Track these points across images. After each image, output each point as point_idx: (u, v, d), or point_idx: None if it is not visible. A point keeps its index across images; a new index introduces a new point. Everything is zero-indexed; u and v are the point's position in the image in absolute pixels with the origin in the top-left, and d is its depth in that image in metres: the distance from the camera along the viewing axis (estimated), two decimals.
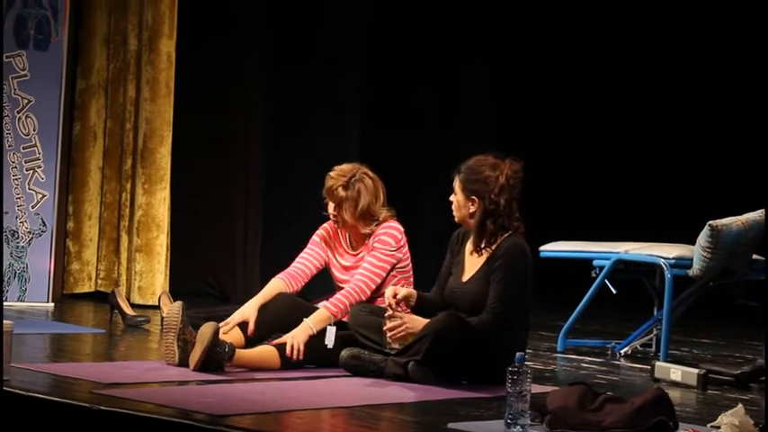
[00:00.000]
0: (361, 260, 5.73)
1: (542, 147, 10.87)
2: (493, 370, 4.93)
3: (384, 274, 5.66)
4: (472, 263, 5.36)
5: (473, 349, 5.11)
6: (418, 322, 5.19)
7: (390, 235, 5.68)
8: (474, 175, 5.31)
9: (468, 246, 5.41)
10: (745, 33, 9.58)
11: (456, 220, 5.41)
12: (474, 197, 5.29)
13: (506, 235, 5.28)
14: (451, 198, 5.39)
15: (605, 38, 10.64)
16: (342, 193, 5.67)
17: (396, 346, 5.25)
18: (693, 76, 10.29)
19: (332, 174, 5.74)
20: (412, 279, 5.78)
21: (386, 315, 5.25)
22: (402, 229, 5.72)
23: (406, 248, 5.74)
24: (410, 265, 5.77)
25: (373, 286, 5.64)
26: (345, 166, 5.76)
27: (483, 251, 5.31)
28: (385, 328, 5.23)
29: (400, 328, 5.20)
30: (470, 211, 5.31)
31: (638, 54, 10.59)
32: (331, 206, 5.74)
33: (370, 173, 5.75)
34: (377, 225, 5.72)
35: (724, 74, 10.01)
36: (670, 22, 10.33)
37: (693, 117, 10.42)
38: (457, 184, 5.36)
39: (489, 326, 5.14)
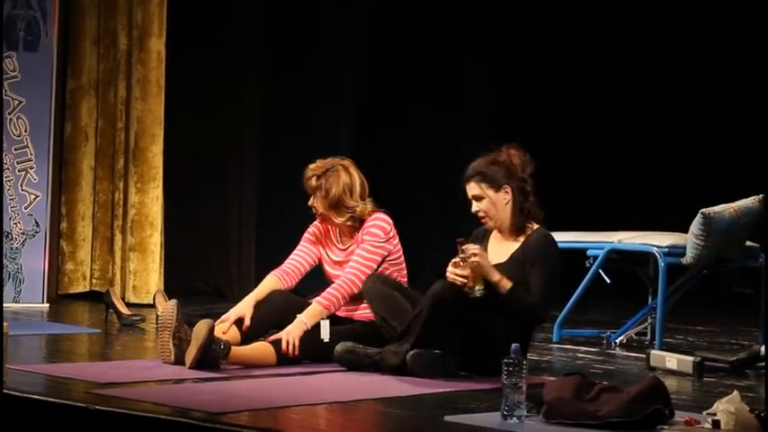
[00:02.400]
0: (350, 254, 5.73)
1: (535, 139, 10.85)
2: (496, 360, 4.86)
3: (374, 266, 5.65)
4: (498, 253, 5.34)
5: (471, 320, 5.09)
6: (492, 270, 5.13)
7: (379, 227, 5.69)
8: (493, 167, 5.30)
9: (493, 240, 5.39)
10: (728, 31, 9.64)
11: (493, 225, 5.33)
12: (506, 186, 5.27)
13: (536, 227, 5.32)
14: (477, 207, 5.32)
15: (599, 34, 10.66)
16: (314, 183, 5.71)
17: (476, 290, 5.13)
18: (686, 74, 10.32)
19: (310, 166, 5.78)
20: (405, 272, 5.78)
21: (453, 261, 5.16)
22: (391, 221, 5.72)
23: (397, 240, 5.74)
24: (402, 257, 5.77)
25: (364, 278, 5.64)
26: (327, 160, 5.79)
27: (517, 237, 5.31)
28: (454, 274, 5.12)
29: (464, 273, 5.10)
30: (506, 202, 5.28)
31: (634, 50, 10.61)
32: (311, 198, 5.77)
33: (349, 166, 5.76)
34: (352, 217, 5.71)
35: (717, 72, 10.04)
36: (665, 19, 10.35)
37: (685, 110, 10.44)
38: (481, 187, 5.29)
39: (533, 308, 5.16)
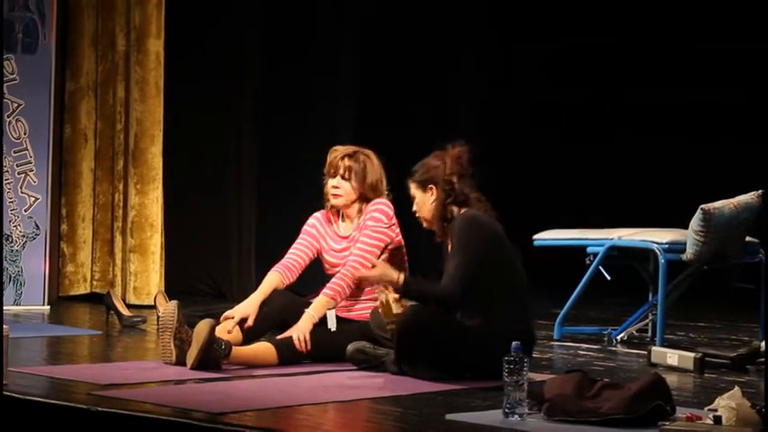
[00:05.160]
0: (352, 241, 5.72)
1: (534, 136, 10.89)
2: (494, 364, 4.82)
3: (378, 252, 5.64)
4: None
5: (447, 339, 5.09)
6: (389, 270, 5.21)
7: (381, 211, 5.69)
8: (422, 168, 5.34)
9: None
10: (729, 31, 9.68)
11: (425, 224, 5.35)
12: (431, 185, 5.28)
13: (462, 210, 5.27)
14: (414, 208, 5.37)
15: (598, 34, 10.67)
16: (348, 162, 5.70)
17: (390, 326, 5.24)
18: (686, 72, 10.35)
19: (337, 147, 5.79)
20: (406, 263, 5.77)
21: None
22: (392, 207, 5.72)
23: (398, 229, 5.74)
24: (403, 246, 5.77)
25: (368, 265, 5.61)
26: (349, 146, 5.82)
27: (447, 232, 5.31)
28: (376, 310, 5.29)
29: (374, 280, 5.25)
30: (431, 201, 5.30)
31: (630, 51, 10.63)
32: (333, 181, 5.74)
33: (373, 154, 5.81)
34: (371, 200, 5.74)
35: (716, 71, 10.09)
36: (666, 15, 10.38)
37: (684, 107, 10.45)
38: (412, 187, 5.35)
39: (440, 294, 5.11)
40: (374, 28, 9.93)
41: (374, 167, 5.74)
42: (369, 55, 9.91)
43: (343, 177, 5.71)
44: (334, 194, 5.75)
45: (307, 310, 5.54)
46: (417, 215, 5.38)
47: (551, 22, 10.88)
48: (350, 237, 5.77)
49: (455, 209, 5.26)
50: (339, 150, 5.77)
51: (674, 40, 10.41)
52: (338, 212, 5.87)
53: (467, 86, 10.74)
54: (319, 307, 5.56)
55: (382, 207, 5.71)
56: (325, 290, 5.61)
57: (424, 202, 5.32)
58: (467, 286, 5.10)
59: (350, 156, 5.73)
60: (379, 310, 5.28)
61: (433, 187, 5.30)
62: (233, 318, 5.56)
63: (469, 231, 5.17)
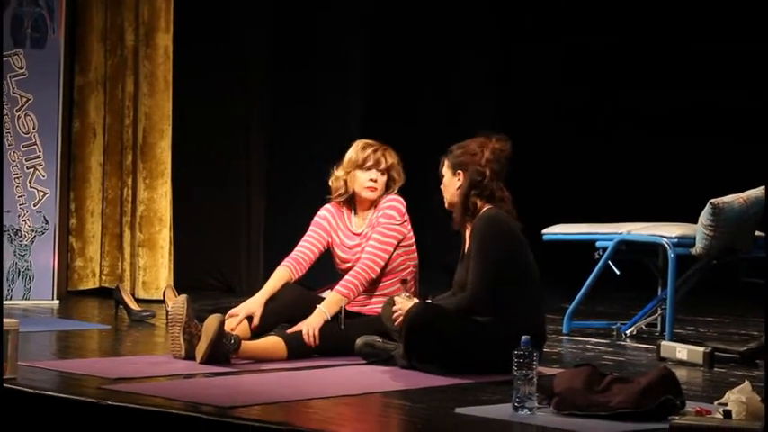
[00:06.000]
0: (364, 237, 5.73)
1: (544, 131, 10.87)
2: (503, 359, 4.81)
3: (391, 250, 5.65)
4: (467, 244, 5.34)
5: (455, 335, 5.08)
6: (407, 305, 5.20)
7: (394, 209, 5.70)
8: (460, 150, 5.33)
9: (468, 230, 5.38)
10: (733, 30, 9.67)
11: (446, 204, 5.37)
12: (460, 170, 5.28)
13: (485, 208, 5.26)
14: (441, 187, 5.39)
15: (598, 34, 10.66)
16: (389, 157, 5.74)
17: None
18: (684, 75, 10.35)
19: (369, 142, 5.79)
20: (416, 260, 5.78)
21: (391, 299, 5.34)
22: (404, 204, 5.73)
23: (410, 225, 5.75)
24: (414, 244, 5.77)
25: (382, 263, 5.64)
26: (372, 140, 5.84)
27: (468, 226, 5.29)
28: (394, 316, 5.26)
29: (396, 314, 5.23)
30: (456, 186, 5.29)
31: (630, 51, 10.63)
32: (371, 174, 5.71)
33: None
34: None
35: (712, 74, 10.09)
36: (660, 19, 10.37)
37: (693, 103, 10.45)
38: (444, 165, 5.36)
39: (467, 302, 5.10)
40: (378, 22, 9.93)
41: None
42: (375, 48, 9.91)
43: (382, 172, 5.72)
44: (370, 188, 5.74)
45: (319, 306, 5.54)
46: (442, 194, 5.39)
47: (551, 22, 10.86)
48: (362, 233, 5.77)
49: (479, 202, 5.25)
50: (374, 144, 5.77)
51: (674, 40, 10.39)
52: (350, 206, 5.87)
53: (477, 81, 10.73)
54: (332, 304, 5.56)
55: (395, 204, 5.72)
56: (338, 287, 5.60)
57: (451, 185, 5.32)
58: (489, 295, 5.09)
59: (383, 150, 5.75)
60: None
61: (462, 173, 5.28)
62: (237, 315, 5.57)
63: (490, 233, 5.16)
